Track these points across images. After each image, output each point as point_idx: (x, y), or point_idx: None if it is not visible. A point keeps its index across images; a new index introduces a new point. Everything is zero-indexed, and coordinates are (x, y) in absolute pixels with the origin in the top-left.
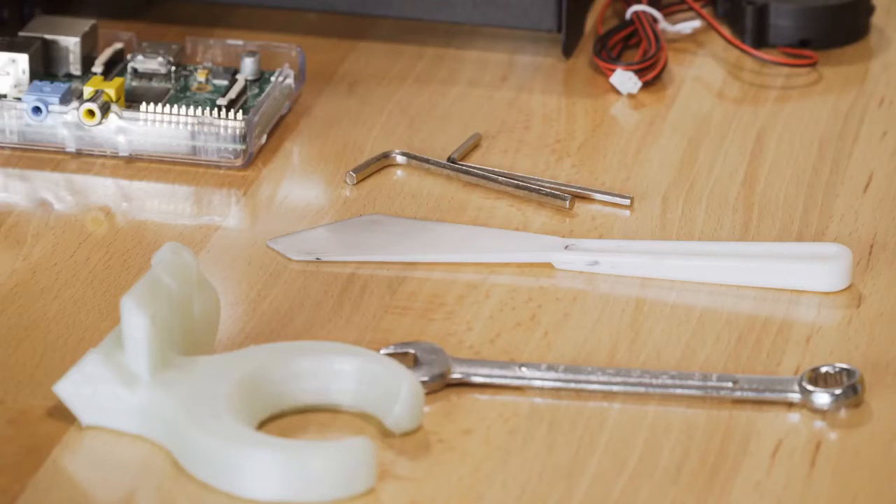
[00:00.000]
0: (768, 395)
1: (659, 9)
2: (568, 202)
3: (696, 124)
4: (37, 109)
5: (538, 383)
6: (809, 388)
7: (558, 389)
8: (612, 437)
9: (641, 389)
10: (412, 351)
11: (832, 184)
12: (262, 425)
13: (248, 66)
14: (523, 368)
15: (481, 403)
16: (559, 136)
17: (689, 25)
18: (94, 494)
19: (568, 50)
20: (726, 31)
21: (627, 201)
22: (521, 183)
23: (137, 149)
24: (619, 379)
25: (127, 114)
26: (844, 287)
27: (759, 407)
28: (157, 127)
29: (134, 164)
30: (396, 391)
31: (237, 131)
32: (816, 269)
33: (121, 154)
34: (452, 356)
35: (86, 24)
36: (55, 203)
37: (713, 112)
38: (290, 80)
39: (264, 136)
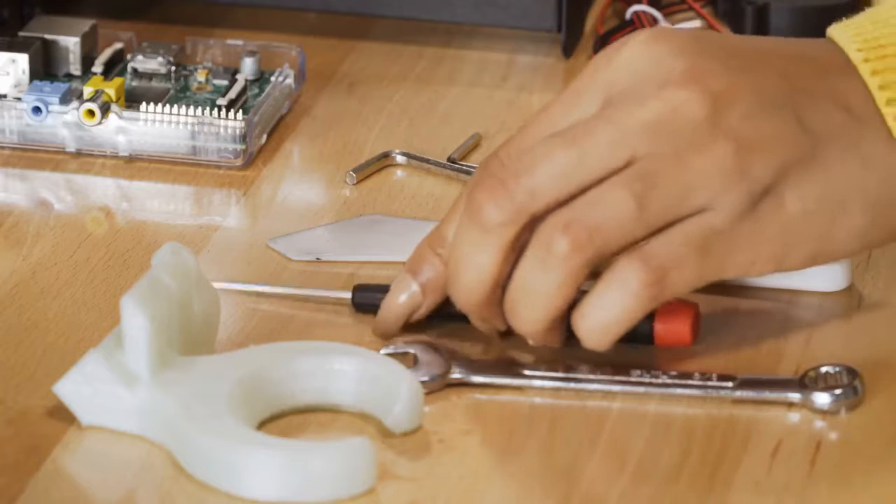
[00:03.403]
0: (768, 395)
1: (659, 9)
2: None
3: None
4: (37, 109)
5: (538, 383)
6: (809, 388)
7: (558, 389)
8: (612, 437)
9: (641, 389)
10: (412, 351)
11: None
12: (262, 425)
13: (248, 66)
14: (523, 368)
15: (481, 403)
16: None
17: (689, 25)
18: (94, 494)
19: (568, 50)
20: (726, 31)
21: None
22: None
23: (137, 149)
24: (619, 379)
25: (127, 114)
26: (844, 287)
27: (759, 407)
28: (157, 127)
29: (134, 164)
30: (396, 391)
31: (237, 131)
32: (816, 268)
33: (121, 154)
34: (452, 356)
35: (86, 24)
36: (55, 203)
37: None
38: (290, 80)
39: (264, 136)
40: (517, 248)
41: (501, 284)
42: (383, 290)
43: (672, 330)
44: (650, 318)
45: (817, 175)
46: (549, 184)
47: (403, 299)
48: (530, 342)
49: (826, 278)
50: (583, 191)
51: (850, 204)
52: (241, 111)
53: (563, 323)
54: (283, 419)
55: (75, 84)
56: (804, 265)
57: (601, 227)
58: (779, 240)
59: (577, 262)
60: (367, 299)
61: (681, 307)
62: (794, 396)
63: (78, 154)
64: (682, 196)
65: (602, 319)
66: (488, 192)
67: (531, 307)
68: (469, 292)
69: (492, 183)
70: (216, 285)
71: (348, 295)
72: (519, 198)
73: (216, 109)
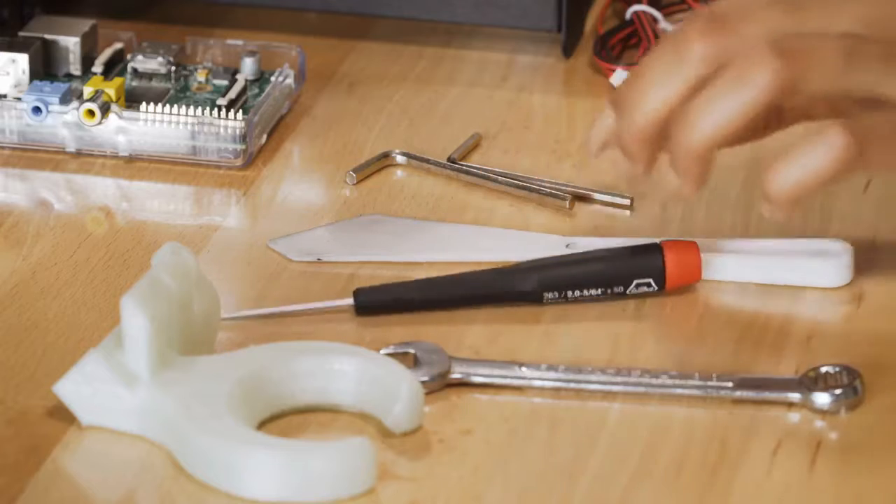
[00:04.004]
0: (768, 395)
1: (659, 9)
2: (568, 202)
3: None
4: (37, 109)
5: (538, 383)
6: (809, 388)
7: (558, 389)
8: (612, 437)
9: (641, 389)
10: (412, 351)
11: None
12: (262, 425)
13: (248, 66)
14: (523, 368)
15: (481, 403)
16: (559, 137)
17: None
18: (94, 494)
19: (568, 50)
20: None
21: (627, 201)
22: (521, 183)
23: (137, 149)
24: (619, 379)
25: (127, 114)
26: (846, 282)
27: (759, 407)
28: (157, 127)
29: (134, 164)
30: (396, 391)
31: (237, 131)
32: (818, 264)
33: (121, 154)
34: (452, 356)
35: (86, 24)
36: (55, 203)
37: None
38: (290, 80)
39: (264, 136)
40: (701, 89)
41: (670, 119)
42: (383, 290)
43: (683, 263)
44: (660, 256)
45: None
46: (762, 37)
47: (600, 127)
48: (674, 177)
49: (828, 274)
50: None
51: None
52: (241, 111)
53: (712, 162)
54: (283, 419)
55: (75, 84)
56: None
57: (806, 59)
58: None
59: (774, 82)
60: (369, 301)
61: (684, 243)
62: (794, 396)
63: (78, 154)
64: (887, 73)
65: (796, 174)
66: (702, 30)
67: (714, 116)
68: (642, 113)
69: (707, 25)
70: (224, 315)
71: (350, 302)
72: (728, 40)
73: (216, 109)
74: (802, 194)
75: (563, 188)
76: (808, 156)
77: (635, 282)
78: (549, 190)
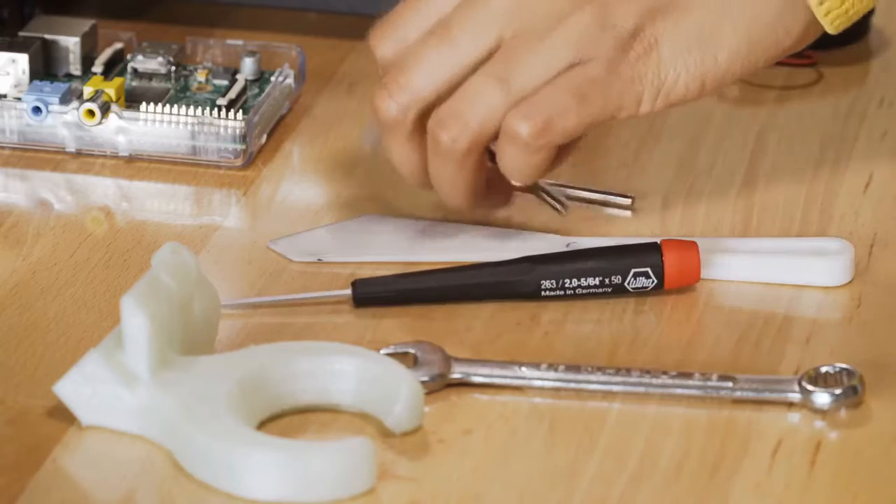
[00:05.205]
0: (768, 395)
1: None
2: (568, 202)
3: (696, 124)
4: (37, 109)
5: (538, 383)
6: (809, 388)
7: (558, 389)
8: (612, 437)
9: (641, 389)
10: (412, 351)
11: (832, 184)
12: (262, 425)
13: (248, 66)
14: (523, 368)
15: (481, 403)
16: None
17: None
18: (94, 494)
19: None
20: None
21: (628, 201)
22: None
23: (137, 149)
24: (619, 379)
25: (127, 114)
26: (847, 281)
27: (759, 407)
28: (157, 127)
29: (134, 164)
30: (396, 391)
31: (237, 131)
32: (818, 264)
33: (121, 154)
34: (452, 356)
35: (86, 24)
36: (55, 203)
37: (713, 112)
38: (290, 80)
39: (264, 136)
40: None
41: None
42: (381, 282)
43: (682, 263)
44: (658, 256)
45: (683, 13)
46: (426, 80)
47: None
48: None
49: (829, 273)
50: (462, 79)
51: (720, 32)
52: (241, 111)
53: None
54: (283, 419)
55: (75, 84)
56: (694, 93)
57: (473, 115)
58: (658, 76)
59: (460, 151)
60: (367, 293)
61: (683, 244)
62: (794, 396)
63: (78, 154)
64: (546, 63)
65: (514, 173)
66: (380, 93)
67: (447, 192)
68: (410, 180)
69: (382, 84)
70: (224, 302)
71: (348, 292)
72: (404, 97)
73: (216, 109)
74: (530, 177)
75: (563, 188)
76: (509, 155)
77: (633, 271)
78: (549, 190)
